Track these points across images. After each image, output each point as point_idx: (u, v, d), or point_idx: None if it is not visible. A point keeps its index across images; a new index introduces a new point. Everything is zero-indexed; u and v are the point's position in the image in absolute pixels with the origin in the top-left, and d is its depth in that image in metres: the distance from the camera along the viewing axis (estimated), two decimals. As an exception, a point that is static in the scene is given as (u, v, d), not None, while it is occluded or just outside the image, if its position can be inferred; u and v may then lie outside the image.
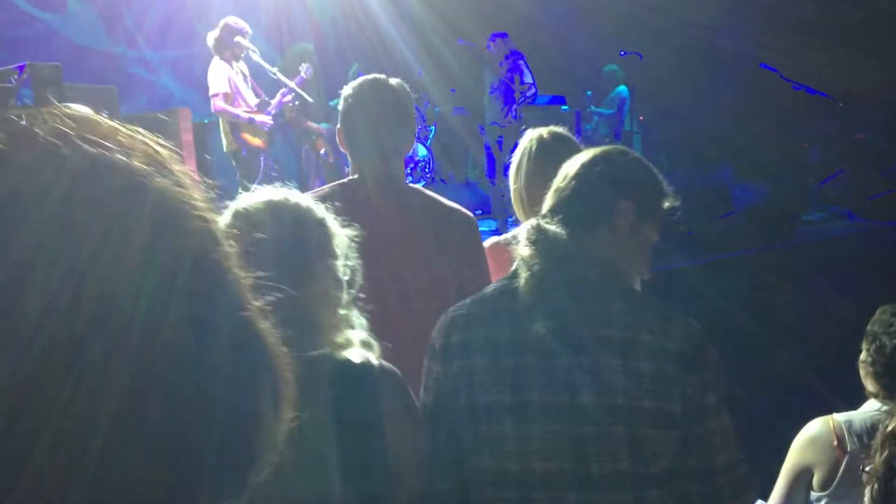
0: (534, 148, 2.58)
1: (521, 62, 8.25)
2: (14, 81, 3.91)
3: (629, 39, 10.06)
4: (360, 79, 2.51)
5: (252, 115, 6.25)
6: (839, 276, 6.11)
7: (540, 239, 1.62)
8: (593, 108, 10.03)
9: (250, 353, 0.58)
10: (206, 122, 7.23)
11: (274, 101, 6.49)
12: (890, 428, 1.68)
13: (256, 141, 6.29)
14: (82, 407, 0.48)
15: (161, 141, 0.60)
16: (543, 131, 2.63)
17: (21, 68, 3.93)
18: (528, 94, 8.26)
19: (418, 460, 1.61)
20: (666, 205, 1.75)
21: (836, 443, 2.20)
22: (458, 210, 2.53)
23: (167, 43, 8.97)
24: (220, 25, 6.15)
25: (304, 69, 6.76)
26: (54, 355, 0.48)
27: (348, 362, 1.51)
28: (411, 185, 2.58)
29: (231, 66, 6.18)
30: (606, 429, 1.53)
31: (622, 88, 9.84)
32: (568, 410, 1.54)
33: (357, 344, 1.58)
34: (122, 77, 8.76)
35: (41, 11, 8.18)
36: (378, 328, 2.34)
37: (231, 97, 6.15)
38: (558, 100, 10.30)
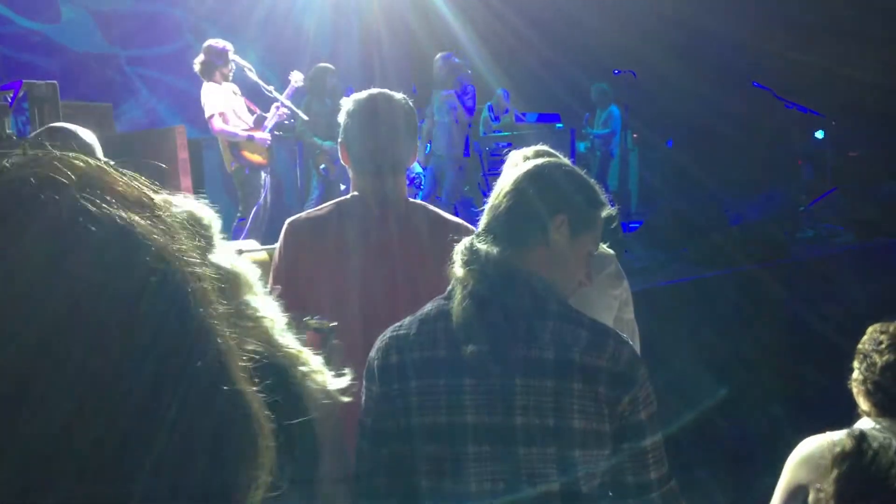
0: None
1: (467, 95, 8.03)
2: (11, 100, 3.91)
3: (621, 57, 10.12)
4: (364, 92, 2.48)
5: (251, 133, 6.29)
6: (834, 293, 6.14)
7: (473, 259, 1.62)
8: (589, 129, 10.06)
9: (236, 426, 0.56)
10: (202, 139, 7.24)
11: (269, 115, 6.51)
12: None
13: (257, 157, 6.33)
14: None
15: (156, 187, 0.59)
16: (528, 151, 2.61)
17: (17, 86, 3.94)
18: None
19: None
20: (604, 214, 1.74)
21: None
22: (461, 224, 2.50)
23: (163, 42, 8.99)
24: (203, 49, 6.22)
25: (294, 78, 6.76)
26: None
27: None
28: (413, 200, 2.57)
29: (221, 87, 6.23)
30: (539, 449, 1.54)
31: (613, 108, 9.89)
32: (501, 432, 1.56)
33: None
34: (121, 78, 8.78)
35: (35, 23, 8.20)
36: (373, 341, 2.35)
37: (227, 116, 6.18)
38: (552, 118, 10.34)
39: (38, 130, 2.30)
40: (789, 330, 5.86)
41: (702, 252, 6.63)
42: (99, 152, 2.28)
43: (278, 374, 1.43)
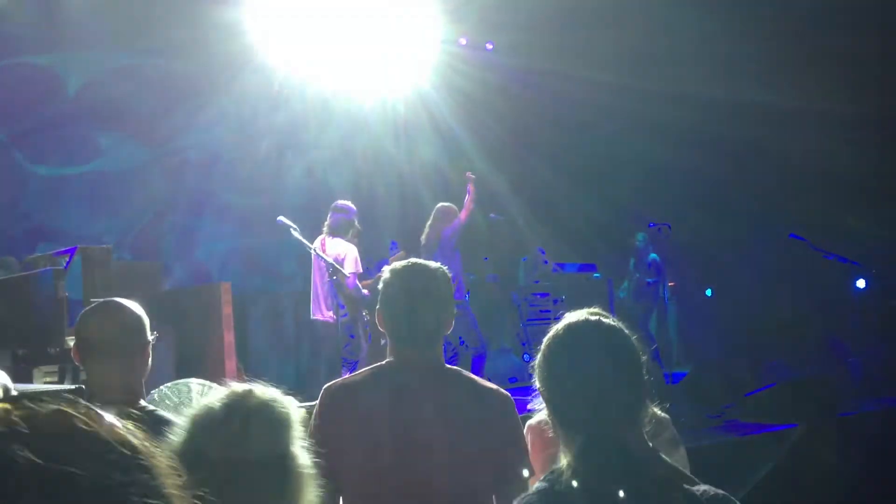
0: None
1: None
2: (66, 264, 4.09)
3: (657, 209, 10.29)
4: (400, 263, 2.56)
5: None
6: (888, 453, 5.89)
7: (593, 451, 1.56)
8: (644, 277, 10.02)
9: None
10: (246, 294, 7.41)
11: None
12: None
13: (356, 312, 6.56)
14: None
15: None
16: (583, 314, 2.60)
17: (73, 251, 4.12)
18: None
19: None
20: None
21: None
22: (495, 391, 2.52)
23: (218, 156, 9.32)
24: (342, 209, 6.63)
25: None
26: None
27: None
28: (448, 367, 2.59)
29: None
30: None
31: (654, 256, 9.95)
32: None
33: None
34: (171, 184, 9.01)
35: (78, 167, 8.47)
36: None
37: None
38: (589, 267, 10.43)
39: (90, 305, 2.39)
40: (843, 488, 5.61)
41: (749, 408, 6.46)
42: (146, 323, 2.36)
43: None
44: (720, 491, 1.60)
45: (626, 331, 1.72)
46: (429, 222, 7.65)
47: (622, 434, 1.58)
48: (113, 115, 8.51)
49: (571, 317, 1.75)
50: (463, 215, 7.49)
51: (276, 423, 1.46)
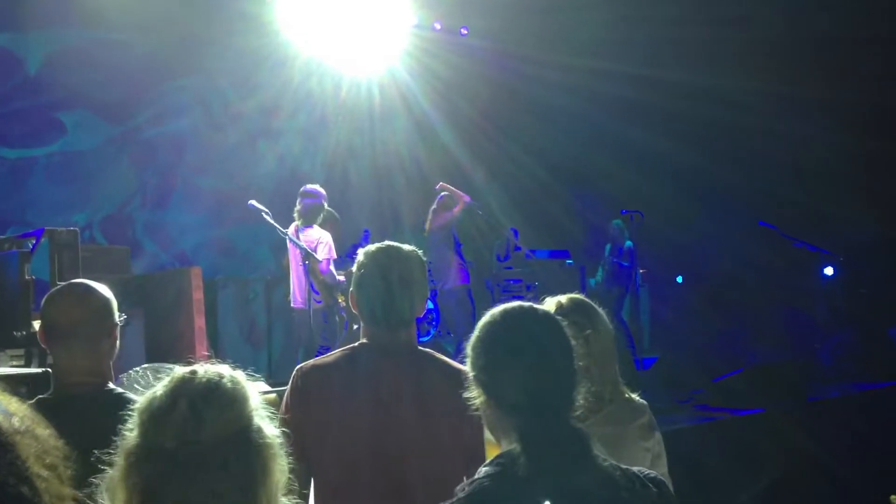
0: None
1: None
2: (33, 247, 4.02)
3: (630, 196, 10.33)
4: (374, 245, 2.54)
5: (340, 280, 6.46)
6: (853, 436, 6.00)
7: (538, 435, 1.58)
8: (618, 260, 10.01)
9: None
10: (217, 279, 7.33)
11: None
12: None
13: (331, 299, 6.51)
14: None
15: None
16: (563, 298, 2.58)
17: (39, 233, 4.05)
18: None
19: None
20: None
21: None
22: (466, 372, 2.52)
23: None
24: (311, 193, 6.52)
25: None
26: None
27: None
28: (421, 349, 2.57)
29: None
30: None
31: (629, 243, 9.97)
32: None
33: None
34: (141, 166, 8.86)
35: (44, 147, 8.26)
36: (383, 492, 2.30)
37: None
38: (562, 254, 10.46)
39: (58, 286, 2.34)
40: (810, 474, 5.70)
41: (717, 393, 6.53)
42: (113, 305, 2.31)
43: None
44: (654, 472, 1.66)
45: (561, 318, 1.73)
46: (432, 207, 8.10)
47: (563, 417, 1.60)
48: (76, 94, 8.30)
49: (507, 304, 1.76)
50: (456, 210, 7.94)
51: (226, 400, 1.39)
